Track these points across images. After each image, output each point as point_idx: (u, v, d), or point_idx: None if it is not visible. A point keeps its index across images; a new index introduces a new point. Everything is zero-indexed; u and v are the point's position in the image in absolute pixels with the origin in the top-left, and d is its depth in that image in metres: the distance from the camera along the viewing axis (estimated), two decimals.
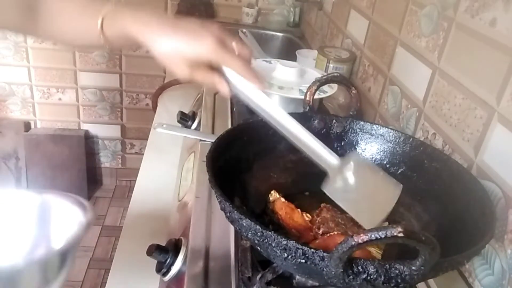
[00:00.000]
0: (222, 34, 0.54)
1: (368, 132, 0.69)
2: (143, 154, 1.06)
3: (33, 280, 0.36)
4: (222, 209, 0.50)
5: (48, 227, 0.50)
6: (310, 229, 0.58)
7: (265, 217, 0.61)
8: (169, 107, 1.30)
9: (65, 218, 0.49)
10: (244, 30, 1.50)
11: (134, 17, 0.54)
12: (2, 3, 0.59)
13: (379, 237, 0.35)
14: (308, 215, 0.59)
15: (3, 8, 0.60)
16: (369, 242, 0.35)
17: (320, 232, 0.56)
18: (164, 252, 0.62)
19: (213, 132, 0.95)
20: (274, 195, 0.61)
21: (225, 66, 0.54)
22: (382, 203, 0.56)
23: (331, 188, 0.55)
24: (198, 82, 0.55)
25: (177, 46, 0.52)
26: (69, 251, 0.40)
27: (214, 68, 0.55)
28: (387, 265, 0.39)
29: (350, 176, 0.55)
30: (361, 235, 0.36)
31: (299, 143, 0.55)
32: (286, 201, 0.60)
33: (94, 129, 2.33)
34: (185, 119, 1.04)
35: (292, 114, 0.55)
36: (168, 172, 0.95)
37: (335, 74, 0.73)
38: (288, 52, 1.69)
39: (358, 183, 0.55)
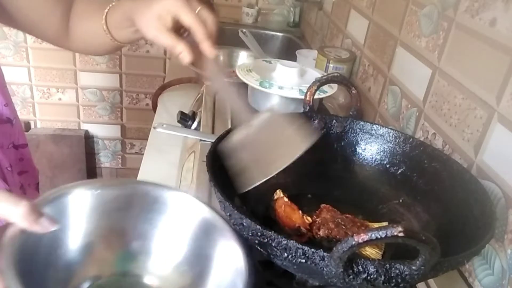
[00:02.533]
0: None
1: (368, 132, 0.70)
2: (143, 154, 1.06)
3: None
4: (222, 209, 0.50)
5: (202, 244, 0.50)
6: (305, 228, 0.58)
7: (266, 212, 0.61)
8: (169, 107, 1.30)
9: (222, 249, 0.49)
10: (244, 30, 1.49)
11: (131, 2, 0.64)
12: (48, 18, 0.70)
13: (379, 237, 0.35)
14: (309, 218, 0.59)
15: (48, 21, 0.71)
16: (369, 241, 0.36)
17: (320, 233, 0.56)
18: None
19: (213, 132, 0.95)
20: (278, 193, 0.62)
21: (181, 19, 0.58)
22: (282, 156, 0.54)
23: (229, 142, 0.56)
24: (164, 46, 0.59)
25: (151, 4, 0.59)
26: None
27: (184, 37, 0.60)
28: (387, 265, 0.39)
29: (251, 129, 0.56)
30: (361, 234, 0.36)
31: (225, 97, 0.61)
32: (289, 201, 0.60)
33: (94, 129, 2.33)
34: (185, 119, 1.04)
35: (292, 114, 0.55)
36: (168, 172, 0.94)
37: (335, 74, 0.73)
38: (288, 52, 1.69)
39: (259, 136, 0.56)
